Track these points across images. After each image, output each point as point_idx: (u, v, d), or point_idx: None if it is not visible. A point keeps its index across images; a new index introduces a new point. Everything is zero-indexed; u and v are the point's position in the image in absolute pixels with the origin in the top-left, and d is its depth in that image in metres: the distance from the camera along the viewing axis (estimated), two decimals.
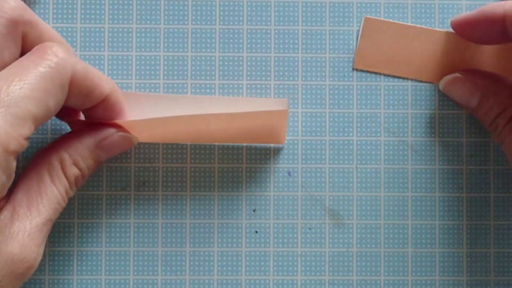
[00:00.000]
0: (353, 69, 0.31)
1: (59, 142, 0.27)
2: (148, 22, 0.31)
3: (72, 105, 0.26)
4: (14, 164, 0.22)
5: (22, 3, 0.25)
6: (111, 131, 0.28)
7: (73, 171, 0.26)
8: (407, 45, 0.31)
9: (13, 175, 0.23)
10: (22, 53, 0.26)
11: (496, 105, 0.28)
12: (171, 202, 0.31)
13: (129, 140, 0.28)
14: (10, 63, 0.25)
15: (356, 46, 0.31)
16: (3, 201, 0.25)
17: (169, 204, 0.31)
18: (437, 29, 0.31)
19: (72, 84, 0.25)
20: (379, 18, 0.30)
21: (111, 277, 0.30)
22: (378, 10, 0.31)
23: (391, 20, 0.31)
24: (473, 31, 0.29)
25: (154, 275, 0.30)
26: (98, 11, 0.31)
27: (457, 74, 0.30)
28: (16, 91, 0.22)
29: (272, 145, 0.31)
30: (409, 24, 0.31)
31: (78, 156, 0.27)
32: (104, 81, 0.26)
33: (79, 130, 0.28)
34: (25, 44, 0.25)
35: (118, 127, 0.28)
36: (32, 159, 0.27)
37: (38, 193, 0.25)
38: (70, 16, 0.31)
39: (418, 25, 0.31)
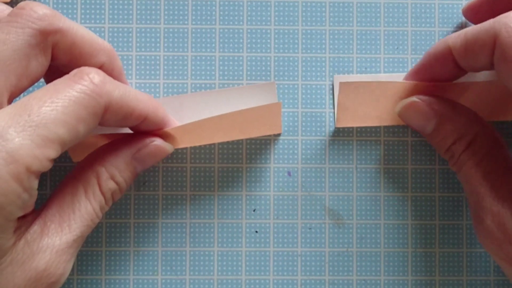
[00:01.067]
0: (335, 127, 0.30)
1: (95, 155, 0.26)
2: (148, 22, 0.31)
3: (112, 125, 0.26)
4: (36, 182, 0.22)
5: (51, 10, 0.24)
6: (146, 141, 0.27)
7: (110, 185, 0.26)
8: (383, 101, 0.29)
9: (36, 193, 0.22)
10: (54, 63, 0.25)
11: (453, 132, 0.27)
12: (171, 202, 0.31)
13: (164, 149, 0.28)
14: (37, 73, 0.24)
15: (334, 107, 0.30)
16: (33, 214, 0.24)
17: (169, 204, 0.31)
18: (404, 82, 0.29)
19: (107, 112, 0.24)
20: (352, 82, 0.28)
21: (111, 277, 0.30)
22: (378, 10, 0.31)
23: (363, 81, 0.29)
24: (429, 73, 0.28)
25: (154, 275, 0.30)
26: (98, 11, 0.31)
27: (413, 98, 0.28)
28: (47, 112, 0.22)
29: (272, 144, 0.31)
30: (381, 81, 0.29)
31: (115, 170, 0.26)
32: (142, 102, 0.26)
33: (114, 142, 0.27)
34: (57, 53, 0.25)
35: (153, 136, 0.28)
36: (68, 173, 0.26)
37: (71, 209, 0.25)
38: (70, 16, 0.31)
39: (388, 80, 0.29)
